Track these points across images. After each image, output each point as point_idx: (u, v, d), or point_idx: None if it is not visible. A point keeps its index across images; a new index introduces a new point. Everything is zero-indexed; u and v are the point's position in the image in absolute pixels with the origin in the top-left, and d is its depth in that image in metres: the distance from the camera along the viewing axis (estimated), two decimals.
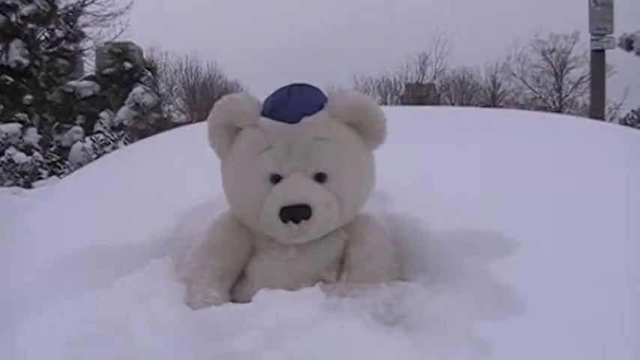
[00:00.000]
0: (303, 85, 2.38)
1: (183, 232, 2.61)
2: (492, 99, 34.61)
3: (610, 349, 1.73)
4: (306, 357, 1.82)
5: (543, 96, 35.12)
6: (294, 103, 2.29)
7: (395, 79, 36.98)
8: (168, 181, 3.01)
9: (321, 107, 2.31)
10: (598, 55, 13.61)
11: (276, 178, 2.28)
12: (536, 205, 2.43)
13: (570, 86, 34.81)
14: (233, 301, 2.27)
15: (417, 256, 2.37)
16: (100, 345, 1.96)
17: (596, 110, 13.30)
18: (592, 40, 13.54)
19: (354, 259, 2.34)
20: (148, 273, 2.35)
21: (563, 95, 34.91)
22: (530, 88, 35.56)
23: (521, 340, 1.77)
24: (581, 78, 32.25)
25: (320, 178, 2.28)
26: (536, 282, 1.98)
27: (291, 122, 2.26)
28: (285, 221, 2.21)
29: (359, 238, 2.37)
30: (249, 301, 2.10)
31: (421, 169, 2.74)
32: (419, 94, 32.63)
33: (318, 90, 2.38)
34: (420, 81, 35.93)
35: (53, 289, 2.29)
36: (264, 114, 2.32)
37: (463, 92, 36.23)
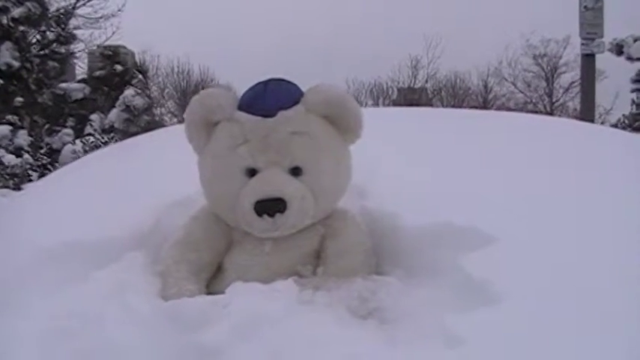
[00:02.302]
0: (280, 79, 2.38)
1: (160, 226, 2.61)
2: (484, 103, 34.62)
3: (583, 343, 1.72)
4: (278, 349, 1.81)
5: (534, 100, 35.19)
6: (270, 98, 2.30)
7: (387, 84, 37.05)
8: (148, 177, 3.00)
9: (297, 102, 2.32)
10: (588, 59, 13.66)
11: (251, 172, 2.28)
12: (512, 201, 2.44)
13: (561, 91, 34.91)
14: (209, 294, 2.26)
15: (393, 251, 2.38)
16: (73, 338, 1.94)
17: (587, 115, 13.33)
18: (582, 44, 13.59)
19: (330, 253, 2.34)
20: (123, 267, 2.34)
21: (554, 100, 34.98)
22: (522, 92, 35.64)
23: (494, 333, 1.76)
24: (572, 83, 32.29)
25: (295, 172, 2.29)
26: (511, 276, 1.98)
27: (268, 116, 2.27)
28: (260, 215, 2.22)
29: (335, 232, 2.38)
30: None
31: (398, 164, 2.75)
32: (411, 98, 32.66)
33: (294, 85, 2.39)
34: (412, 85, 35.99)
35: (28, 284, 2.28)
36: (240, 108, 2.33)
37: (455, 96, 36.27)
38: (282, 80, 2.39)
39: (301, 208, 2.25)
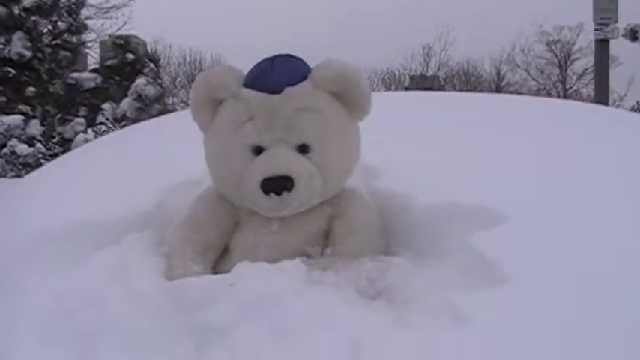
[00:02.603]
0: (287, 55, 2.33)
1: (165, 207, 2.58)
2: (497, 90, 34.46)
3: (590, 323, 1.70)
4: (285, 329, 1.78)
5: (547, 87, 35.06)
6: (276, 74, 2.25)
7: (399, 71, 36.98)
8: (153, 159, 2.98)
9: (304, 78, 2.26)
10: (602, 45, 13.57)
11: (257, 150, 2.24)
12: (523, 182, 2.40)
13: (574, 77, 34.75)
14: None
15: (402, 231, 2.35)
16: (74, 318, 1.92)
17: (601, 101, 13.23)
18: (596, 29, 13.49)
19: (339, 233, 2.30)
20: (126, 247, 2.31)
21: (567, 86, 34.85)
22: (535, 79, 35.54)
23: (502, 313, 1.74)
24: (586, 69, 32.17)
25: (303, 149, 2.24)
26: (520, 256, 1.96)
27: (274, 93, 2.22)
28: (266, 193, 2.17)
29: (344, 212, 2.33)
30: None
31: (408, 145, 2.71)
32: (423, 86, 32.53)
33: (301, 60, 2.33)
34: (424, 72, 35.90)
35: (30, 264, 2.27)
36: (246, 85, 2.28)
37: (467, 84, 36.15)
38: (289, 56, 2.33)
39: (309, 186, 2.21)
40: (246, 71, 2.34)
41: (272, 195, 2.17)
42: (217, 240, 2.36)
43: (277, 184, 2.16)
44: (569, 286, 1.81)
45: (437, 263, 2.10)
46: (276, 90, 2.22)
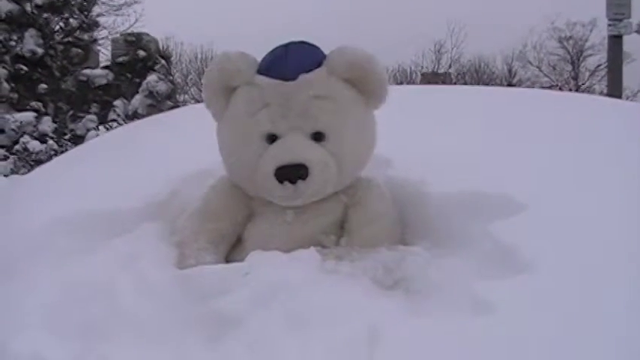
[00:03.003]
0: (302, 42, 2.29)
1: (178, 197, 2.56)
2: (509, 87, 34.46)
3: (613, 310, 1.66)
4: (300, 318, 1.75)
5: (560, 84, 34.85)
6: (291, 61, 2.21)
7: (410, 68, 36.88)
8: (166, 150, 2.97)
9: (319, 64, 2.23)
10: (615, 40, 13.48)
11: (272, 138, 2.20)
12: (541, 169, 2.38)
13: (587, 74, 34.56)
14: None
15: (419, 220, 2.32)
16: (84, 307, 1.90)
17: (613, 97, 13.15)
18: (609, 25, 13.40)
19: (354, 223, 2.27)
20: (138, 237, 2.29)
21: (579, 83, 34.64)
22: (547, 76, 35.31)
23: (524, 300, 1.71)
24: (598, 66, 31.96)
25: (318, 137, 2.20)
26: (541, 243, 1.92)
27: (288, 80, 2.19)
28: (281, 181, 2.13)
29: (359, 201, 2.29)
30: None
31: (425, 134, 2.69)
32: (434, 83, 32.46)
33: (316, 47, 2.29)
34: (435, 70, 35.79)
35: (40, 252, 2.24)
36: (260, 72, 2.24)
37: (479, 81, 35.97)
38: (304, 43, 2.29)
39: (324, 174, 2.17)
40: (259, 58, 2.31)
41: (286, 183, 2.13)
42: (230, 230, 2.32)
43: (292, 173, 2.12)
44: (591, 274, 1.78)
45: (455, 252, 2.06)
46: (290, 77, 2.18)
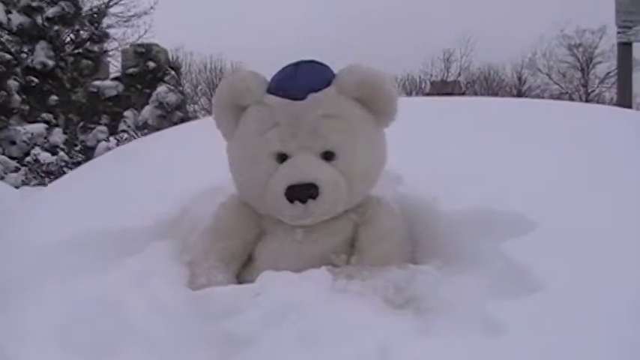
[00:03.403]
0: (311, 61, 2.30)
1: (188, 215, 2.56)
2: (518, 95, 34.39)
3: (626, 333, 1.65)
4: (310, 339, 1.75)
5: (570, 91, 34.83)
6: (300, 80, 2.22)
7: (420, 77, 36.94)
8: (175, 167, 2.97)
9: (328, 83, 2.23)
10: (625, 48, 13.39)
11: (282, 157, 2.21)
12: (553, 187, 2.35)
13: (597, 81, 34.51)
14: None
15: (429, 238, 2.31)
16: (94, 325, 1.91)
17: (624, 105, 13.06)
18: (618, 32, 13.31)
19: (365, 241, 2.27)
20: (149, 255, 2.29)
21: (589, 90, 34.61)
22: (557, 83, 35.34)
23: (536, 321, 1.69)
24: (608, 73, 31.95)
25: (328, 156, 2.20)
26: (553, 263, 1.90)
27: (298, 99, 2.19)
28: (291, 201, 2.14)
29: (370, 220, 2.30)
30: None
31: (435, 150, 2.68)
32: (444, 91, 32.46)
33: (326, 66, 2.30)
34: (444, 78, 35.85)
35: (51, 270, 2.24)
36: (270, 91, 2.25)
37: (489, 89, 36.01)
38: (314, 62, 2.30)
39: (334, 194, 2.17)
40: (269, 77, 2.32)
41: (297, 203, 2.14)
42: (241, 249, 2.33)
43: (302, 192, 2.13)
44: (605, 294, 1.76)
45: (466, 271, 2.05)
46: (300, 96, 2.19)
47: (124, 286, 2.07)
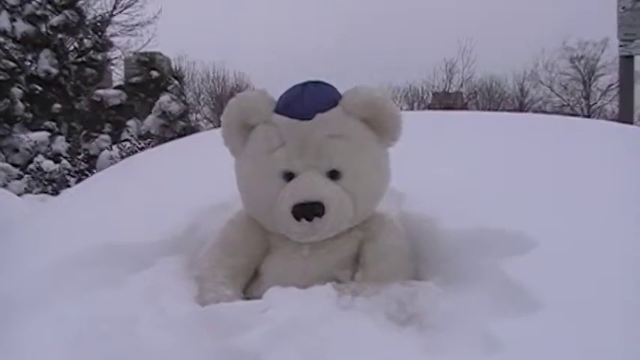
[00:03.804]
0: (318, 82, 2.35)
1: (196, 231, 2.60)
2: (520, 107, 34.39)
3: (626, 350, 1.68)
4: (317, 355, 1.79)
5: (571, 104, 34.81)
6: (307, 100, 2.27)
7: (422, 88, 36.90)
8: (183, 182, 3.01)
9: (335, 104, 2.29)
10: (627, 61, 13.39)
11: (289, 176, 2.26)
12: (552, 205, 2.39)
13: (599, 94, 34.47)
14: (246, 300, 2.24)
15: (432, 255, 2.34)
16: (105, 342, 1.95)
17: (625, 118, 13.04)
18: (620, 45, 13.31)
19: (369, 258, 2.31)
20: (158, 271, 2.34)
21: (591, 103, 34.59)
22: (558, 95, 35.29)
23: (535, 339, 1.73)
24: (610, 85, 31.87)
25: (333, 175, 2.25)
26: (552, 281, 1.94)
27: (305, 119, 2.24)
28: (298, 219, 2.19)
29: (374, 237, 2.34)
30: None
31: (437, 168, 2.72)
32: (446, 103, 32.45)
33: (332, 87, 2.36)
34: (447, 89, 35.81)
35: (61, 286, 2.28)
36: (277, 111, 2.30)
37: (491, 100, 36.00)
38: (320, 82, 2.35)
39: (340, 211, 2.22)
40: (273, 92, 2.37)
41: (303, 220, 2.19)
42: (248, 264, 2.38)
43: (308, 210, 2.18)
44: (605, 313, 1.79)
45: (467, 289, 2.09)
46: (307, 116, 2.24)
47: (134, 302, 2.12)
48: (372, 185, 2.35)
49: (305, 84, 2.34)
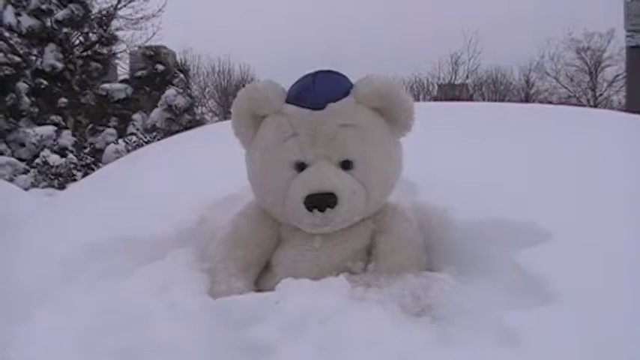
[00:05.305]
0: (329, 71, 2.32)
1: (207, 223, 2.57)
2: (526, 98, 34.32)
3: None
4: (331, 347, 1.78)
5: (577, 95, 34.75)
6: (319, 90, 2.25)
7: (427, 80, 36.88)
8: (193, 174, 2.98)
9: (346, 93, 2.26)
10: (634, 51, 13.39)
11: (300, 166, 2.23)
12: (567, 195, 2.36)
13: (605, 85, 34.40)
14: (258, 292, 2.23)
15: (445, 246, 2.32)
16: (117, 334, 1.93)
17: (632, 108, 13.05)
18: (627, 36, 13.32)
19: (382, 249, 2.29)
20: (169, 263, 2.32)
21: (597, 94, 34.52)
22: (564, 87, 35.25)
23: (550, 331, 1.71)
24: (617, 76, 31.86)
25: (346, 165, 2.23)
26: (566, 272, 1.92)
27: (316, 109, 2.22)
28: (310, 209, 2.16)
29: (386, 228, 2.32)
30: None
31: (450, 159, 2.70)
32: (451, 94, 32.41)
33: (343, 76, 2.33)
34: (452, 81, 35.78)
35: (72, 278, 2.28)
36: (288, 101, 2.28)
37: (496, 92, 35.93)
38: (331, 72, 2.33)
39: (352, 202, 2.20)
40: (280, 79, 2.35)
41: (315, 211, 2.16)
42: (259, 256, 2.36)
43: (320, 201, 2.16)
44: (621, 304, 1.78)
45: (481, 280, 2.07)
46: (318, 106, 2.22)
47: (146, 294, 2.10)
48: (384, 175, 2.32)
49: (316, 73, 2.31)
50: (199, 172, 2.97)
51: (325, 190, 2.16)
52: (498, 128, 3.31)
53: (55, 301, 2.17)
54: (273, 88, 2.33)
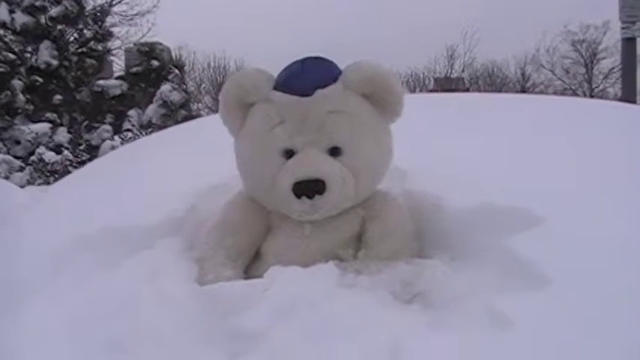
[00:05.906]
0: (318, 57, 2.30)
1: (196, 212, 2.56)
2: (522, 91, 34.35)
3: (635, 327, 1.66)
4: (319, 333, 1.76)
5: (573, 87, 34.81)
6: (307, 76, 2.23)
7: (423, 74, 36.93)
8: (183, 164, 2.97)
9: (335, 80, 2.24)
10: (629, 43, 13.36)
11: (289, 153, 2.21)
12: (559, 182, 2.34)
13: (601, 77, 34.46)
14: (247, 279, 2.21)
15: (436, 233, 2.31)
16: (106, 323, 1.91)
17: (628, 100, 13.04)
18: (622, 28, 13.29)
19: (372, 236, 2.27)
20: (158, 252, 2.30)
21: (593, 86, 34.58)
22: (560, 79, 35.34)
23: (542, 315, 1.70)
24: (612, 68, 31.94)
25: (334, 152, 2.21)
26: (559, 257, 1.91)
27: (305, 95, 2.20)
28: (298, 197, 2.15)
29: (377, 215, 2.30)
30: None
31: (441, 146, 2.69)
32: (447, 88, 32.41)
33: (332, 62, 2.31)
34: (448, 75, 35.84)
35: (61, 269, 2.27)
36: (276, 88, 2.26)
37: (492, 85, 36.00)
38: (320, 58, 2.30)
39: (341, 189, 2.18)
40: (275, 74, 2.32)
41: (304, 198, 2.15)
42: (249, 244, 2.34)
43: (309, 188, 2.14)
44: (612, 288, 1.77)
45: (473, 266, 2.05)
46: (307, 92, 2.19)
47: (135, 283, 2.08)
48: (373, 162, 2.30)
49: (304, 60, 2.29)
50: (189, 162, 2.96)
51: (313, 177, 2.14)
52: (490, 116, 3.29)
53: (45, 292, 2.16)
54: (260, 75, 2.30)
